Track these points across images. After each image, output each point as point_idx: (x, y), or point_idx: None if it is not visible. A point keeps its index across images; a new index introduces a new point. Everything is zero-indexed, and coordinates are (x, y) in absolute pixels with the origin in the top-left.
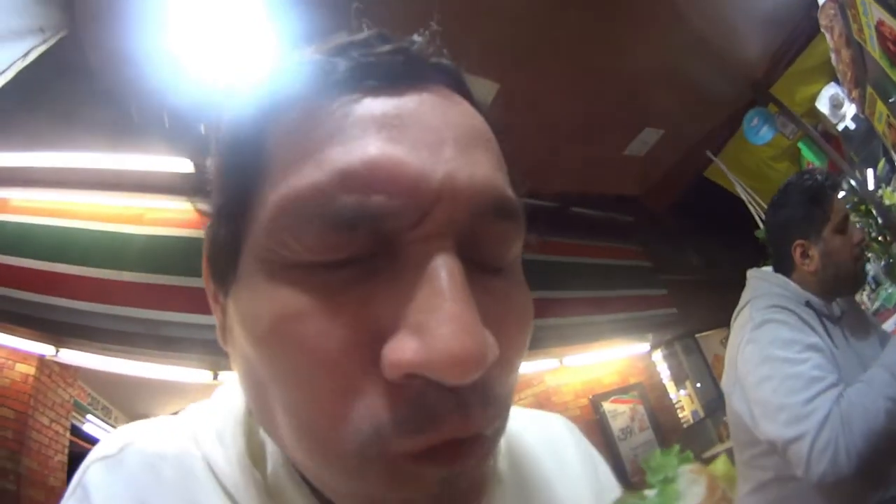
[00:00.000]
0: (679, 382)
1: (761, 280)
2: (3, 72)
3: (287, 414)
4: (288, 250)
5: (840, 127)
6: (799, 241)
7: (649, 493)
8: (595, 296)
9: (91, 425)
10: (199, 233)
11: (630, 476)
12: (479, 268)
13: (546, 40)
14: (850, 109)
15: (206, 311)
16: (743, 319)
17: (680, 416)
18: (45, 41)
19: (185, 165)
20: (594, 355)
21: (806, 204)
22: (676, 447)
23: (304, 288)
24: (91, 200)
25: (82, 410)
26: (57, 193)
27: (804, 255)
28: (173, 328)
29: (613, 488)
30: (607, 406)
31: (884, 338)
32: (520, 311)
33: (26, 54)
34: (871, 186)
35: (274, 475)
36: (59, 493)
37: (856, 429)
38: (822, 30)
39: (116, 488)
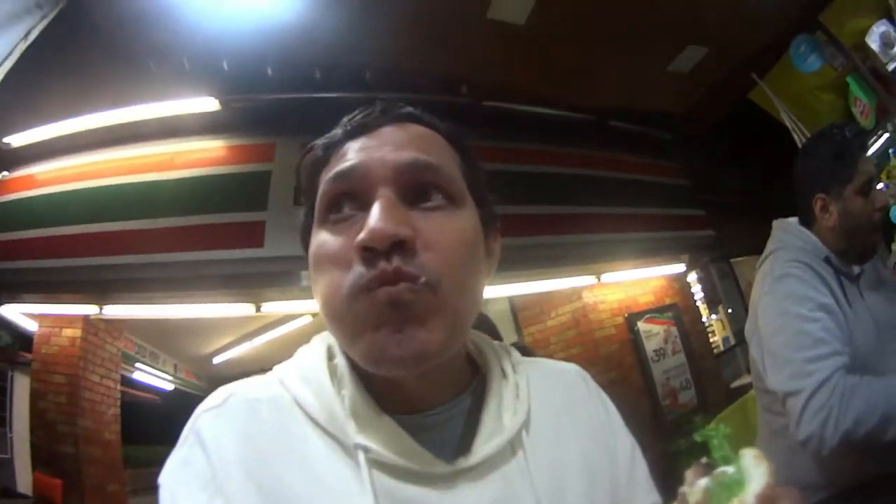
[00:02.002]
0: (712, 306)
1: (785, 232)
2: (8, 56)
3: (320, 301)
4: (324, 209)
5: (890, 67)
6: (820, 195)
7: (727, 469)
8: (632, 213)
9: (141, 373)
10: (230, 168)
11: (661, 399)
12: (419, 203)
13: None
14: None
15: (242, 245)
16: (765, 270)
17: (712, 341)
18: (43, 17)
19: (209, 104)
20: (630, 273)
21: (832, 158)
22: (723, 428)
23: (330, 227)
24: (118, 156)
25: (130, 360)
26: (82, 157)
27: (824, 209)
28: (212, 266)
29: (621, 427)
30: (642, 326)
31: None
32: (446, 228)
33: (27, 35)
34: None
35: (351, 399)
36: (115, 445)
37: (852, 408)
38: None
39: (225, 429)
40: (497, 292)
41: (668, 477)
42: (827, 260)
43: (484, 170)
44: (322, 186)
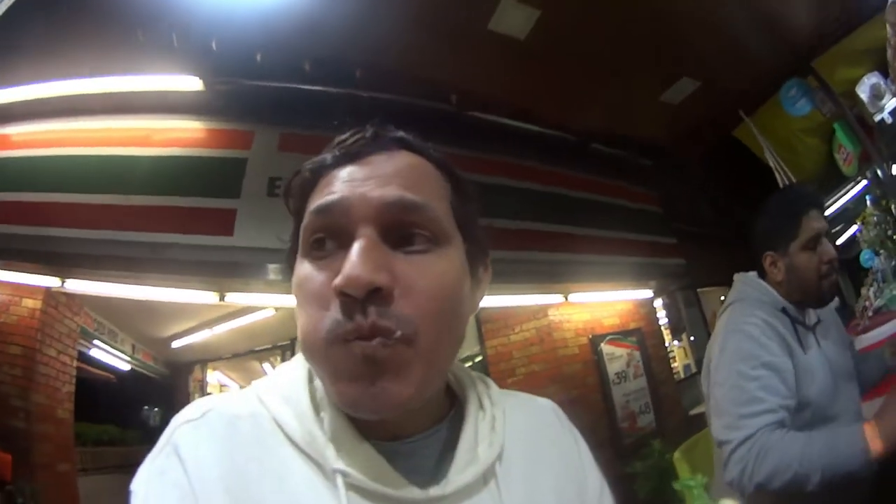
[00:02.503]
0: (675, 333)
1: (745, 284)
2: None
3: (299, 333)
4: (307, 240)
5: (877, 118)
6: (769, 252)
7: None
8: (605, 235)
9: (98, 350)
10: (206, 151)
11: (619, 421)
12: (401, 245)
13: None
14: (890, 102)
15: (211, 232)
16: (722, 321)
17: (673, 367)
18: None
19: (193, 83)
20: (598, 295)
21: (779, 217)
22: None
23: (312, 260)
24: (95, 126)
25: (89, 336)
26: (58, 123)
27: (773, 264)
28: (178, 250)
29: (592, 464)
30: (605, 347)
31: (852, 350)
32: (426, 272)
33: None
34: None
35: (331, 423)
36: (68, 423)
37: (766, 464)
38: (888, 25)
39: (204, 443)
40: None
41: (624, 499)
42: (784, 311)
43: (476, 200)
44: (306, 217)
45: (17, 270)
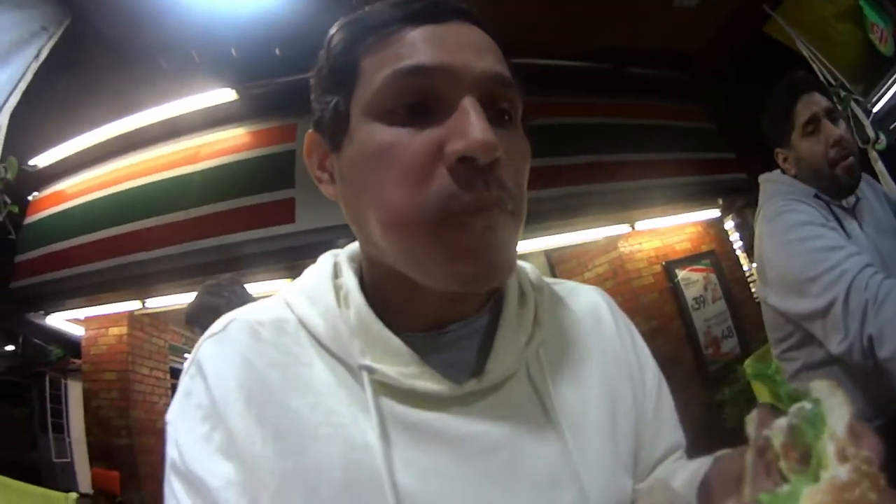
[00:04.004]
0: (751, 254)
1: (771, 182)
2: (21, 78)
3: (384, 210)
4: (389, 103)
5: None
6: (778, 150)
7: (805, 404)
8: (661, 158)
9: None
10: (255, 152)
11: (704, 347)
12: (493, 118)
13: None
14: None
15: (269, 223)
16: (759, 221)
17: (753, 289)
18: (50, 37)
19: (227, 95)
20: (664, 220)
21: (774, 110)
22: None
23: (399, 125)
24: (143, 158)
25: (178, 352)
26: (108, 165)
27: (785, 160)
28: (248, 246)
29: (647, 357)
30: (680, 273)
31: None
32: (519, 148)
33: (38, 55)
34: None
35: (357, 317)
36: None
37: (886, 313)
38: None
39: (224, 354)
40: (532, 246)
41: (713, 427)
42: (817, 196)
43: None
44: (389, 78)
45: (97, 304)
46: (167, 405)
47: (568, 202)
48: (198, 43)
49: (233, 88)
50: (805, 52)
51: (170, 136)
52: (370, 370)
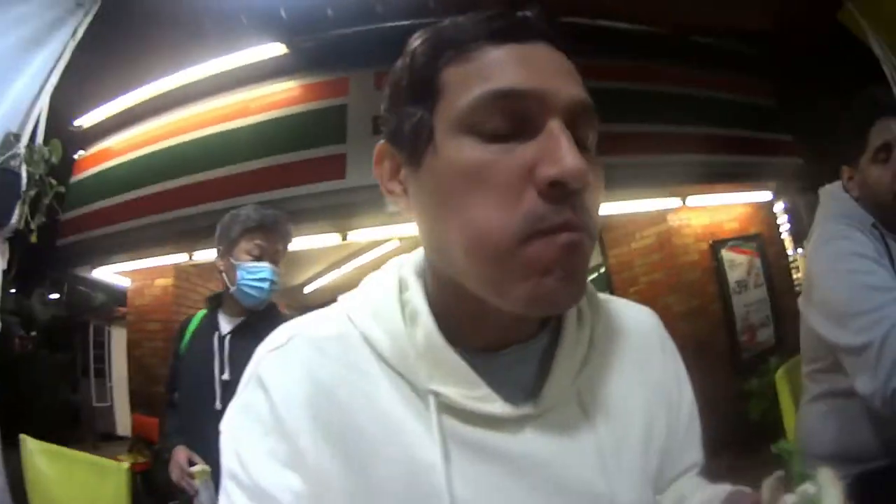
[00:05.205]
0: (797, 240)
1: (831, 199)
2: (60, 58)
3: (471, 228)
4: (480, 121)
5: None
6: (845, 167)
7: (809, 488)
8: (717, 133)
9: None
10: (305, 106)
11: (740, 334)
12: (577, 144)
13: None
14: None
15: (325, 178)
16: (814, 239)
17: (795, 278)
18: (86, 14)
19: (276, 49)
20: (715, 198)
21: (849, 127)
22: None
23: (490, 144)
24: (191, 112)
25: None
26: (153, 122)
27: (849, 180)
28: (296, 202)
29: (686, 384)
30: (726, 254)
31: None
32: (597, 175)
33: (74, 33)
34: None
35: (425, 338)
36: None
37: None
38: None
39: (288, 368)
40: None
41: (737, 420)
42: (874, 226)
43: None
44: (480, 95)
45: (144, 258)
46: None
47: (619, 171)
48: (247, 5)
49: (282, 42)
50: (875, 49)
51: (217, 91)
52: (436, 394)
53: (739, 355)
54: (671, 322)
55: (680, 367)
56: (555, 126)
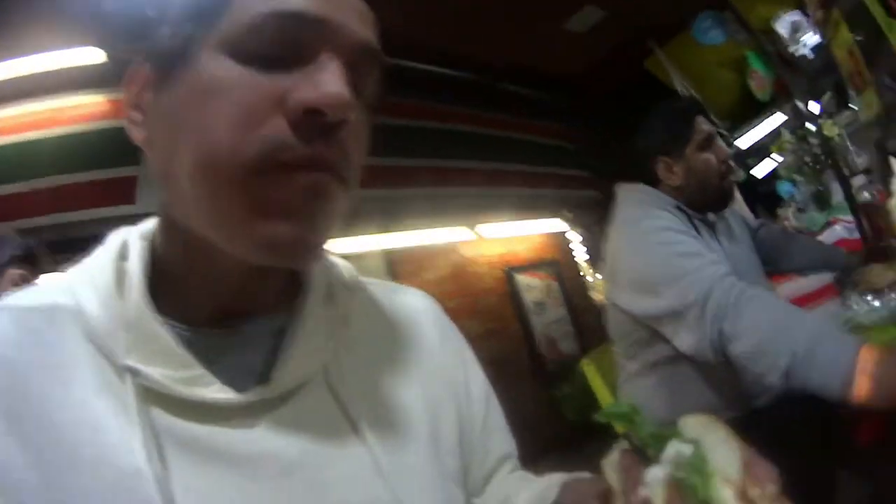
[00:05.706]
0: (596, 266)
1: (631, 191)
2: None
3: (199, 147)
4: (252, 44)
5: (797, 53)
6: (663, 158)
7: (681, 448)
8: (513, 169)
9: None
10: (103, 123)
11: (542, 348)
12: (351, 85)
13: None
14: (809, 38)
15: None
16: (617, 222)
17: (595, 298)
18: None
19: (94, 55)
20: (510, 228)
21: (673, 122)
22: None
23: (251, 65)
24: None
25: None
26: None
27: (668, 170)
28: (82, 227)
29: (475, 368)
30: (521, 278)
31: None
32: (364, 120)
33: None
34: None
35: (135, 307)
36: None
37: (744, 316)
38: None
39: None
40: (373, 244)
41: (555, 424)
42: (678, 208)
43: None
44: (260, 14)
45: None
46: None
47: (411, 204)
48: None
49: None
50: (680, 88)
51: (26, 96)
52: (135, 372)
53: (544, 367)
54: (471, 343)
55: (464, 350)
56: (327, 58)
